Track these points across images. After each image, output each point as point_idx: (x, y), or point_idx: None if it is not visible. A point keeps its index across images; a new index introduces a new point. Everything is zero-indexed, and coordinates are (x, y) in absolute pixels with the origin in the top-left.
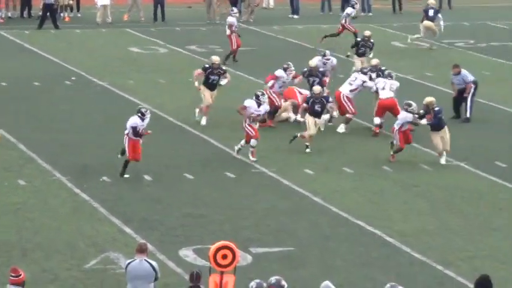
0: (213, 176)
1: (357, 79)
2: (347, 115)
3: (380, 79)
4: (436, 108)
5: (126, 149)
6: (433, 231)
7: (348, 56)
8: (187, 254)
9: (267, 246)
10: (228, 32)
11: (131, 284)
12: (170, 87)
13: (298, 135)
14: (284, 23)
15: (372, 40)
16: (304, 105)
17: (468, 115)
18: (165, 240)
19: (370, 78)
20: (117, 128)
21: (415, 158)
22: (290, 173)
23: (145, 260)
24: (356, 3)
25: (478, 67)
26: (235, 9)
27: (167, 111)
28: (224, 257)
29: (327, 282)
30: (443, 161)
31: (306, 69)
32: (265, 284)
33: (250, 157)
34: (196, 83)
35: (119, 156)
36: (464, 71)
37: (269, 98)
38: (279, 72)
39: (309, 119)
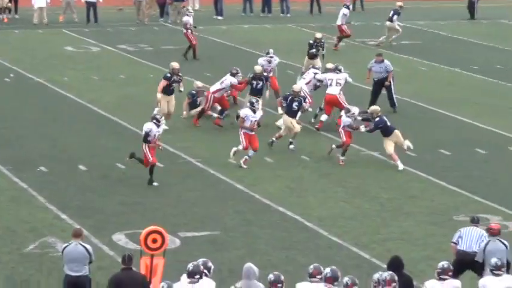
0: (143, 166)
1: (309, 73)
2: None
3: (329, 74)
4: (377, 119)
5: (149, 156)
6: (349, 216)
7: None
8: (120, 238)
9: (194, 230)
10: (184, 30)
11: (67, 266)
12: (102, 83)
13: (274, 139)
14: (209, 24)
15: (323, 40)
16: (282, 100)
17: (395, 103)
18: (99, 226)
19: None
20: (53, 121)
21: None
22: (215, 162)
23: (80, 243)
24: (349, 4)
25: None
26: (190, 9)
27: (99, 105)
28: (154, 241)
29: (249, 264)
30: (400, 166)
31: (251, 74)
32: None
33: (242, 164)
34: (159, 95)
35: (127, 159)
36: (386, 61)
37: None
38: (232, 80)
39: (285, 119)
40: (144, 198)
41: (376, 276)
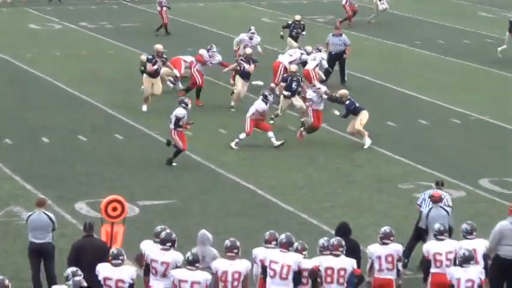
0: (104, 137)
1: (296, 52)
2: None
3: (313, 54)
4: (347, 102)
5: (179, 142)
6: (299, 185)
7: (282, 37)
8: (82, 207)
9: (152, 199)
10: (158, 8)
11: (31, 234)
12: (65, 60)
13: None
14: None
15: (302, 22)
16: (282, 83)
17: (346, 78)
18: (62, 195)
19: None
20: (17, 95)
21: (283, 121)
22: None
23: (44, 212)
24: None
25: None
26: None
27: (62, 81)
28: (114, 209)
29: (203, 231)
30: (367, 144)
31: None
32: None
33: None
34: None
35: (168, 146)
36: (344, 34)
37: (191, 76)
38: (201, 51)
39: (283, 101)
40: (105, 168)
41: (321, 241)
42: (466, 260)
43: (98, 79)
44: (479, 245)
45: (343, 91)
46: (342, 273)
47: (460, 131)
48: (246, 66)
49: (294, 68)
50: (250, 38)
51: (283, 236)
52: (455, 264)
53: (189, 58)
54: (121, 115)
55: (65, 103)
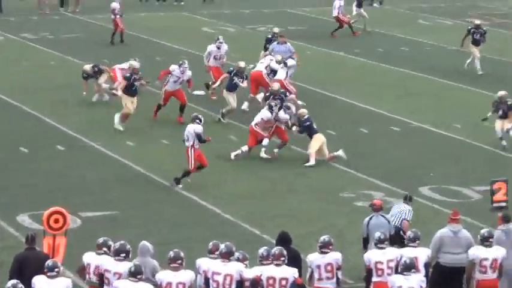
0: (46, 149)
1: (266, 58)
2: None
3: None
4: (303, 118)
5: (192, 161)
6: (242, 195)
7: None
8: (24, 219)
9: (94, 210)
10: (112, 16)
11: None
12: (5, 70)
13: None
14: (107, 12)
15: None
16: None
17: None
18: (4, 208)
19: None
20: None
21: (226, 131)
22: (114, 145)
23: None
24: None
25: None
26: None
27: (3, 92)
28: (56, 221)
29: (143, 242)
30: (311, 163)
31: (232, 69)
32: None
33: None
34: (120, 93)
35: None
36: (288, 43)
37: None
38: (172, 67)
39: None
40: (47, 180)
41: (261, 251)
42: (407, 268)
43: (40, 90)
44: (422, 253)
45: (302, 110)
46: (284, 282)
47: (400, 139)
48: (239, 81)
49: (276, 86)
50: (218, 48)
51: (222, 246)
52: (396, 272)
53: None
54: (63, 126)
55: (6, 114)
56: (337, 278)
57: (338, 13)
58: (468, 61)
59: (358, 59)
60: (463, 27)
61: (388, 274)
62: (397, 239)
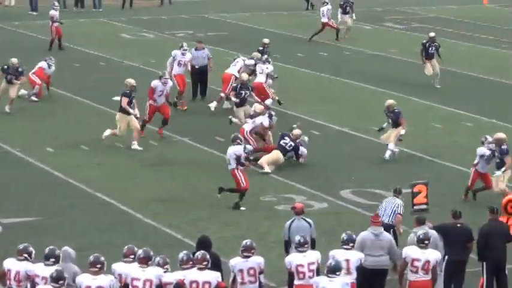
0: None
1: (239, 61)
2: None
3: (259, 65)
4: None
5: (243, 179)
6: (162, 199)
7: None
8: None
9: (16, 216)
10: (50, 23)
11: None
12: None
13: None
14: (24, 19)
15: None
16: (232, 92)
17: (206, 92)
18: None
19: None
20: None
21: (145, 135)
22: (33, 151)
23: None
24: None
25: None
26: (56, 3)
27: None
28: None
29: (65, 248)
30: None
31: (236, 84)
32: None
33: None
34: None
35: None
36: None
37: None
38: (154, 83)
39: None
40: None
41: (181, 255)
42: (332, 270)
43: None
44: (354, 256)
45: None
46: (207, 286)
47: (320, 143)
48: (246, 94)
49: (244, 76)
50: (183, 55)
51: (140, 251)
52: (318, 275)
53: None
54: None
55: None
56: (260, 282)
57: (328, 19)
58: (436, 80)
59: (277, 64)
60: (382, 32)
61: (310, 277)
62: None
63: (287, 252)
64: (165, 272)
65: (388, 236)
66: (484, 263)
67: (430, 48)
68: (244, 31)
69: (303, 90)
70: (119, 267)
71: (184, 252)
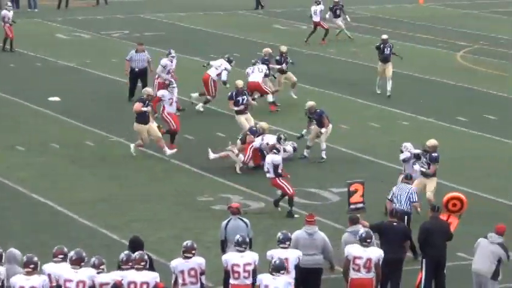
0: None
1: (221, 65)
2: (207, 96)
3: (258, 65)
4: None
5: (288, 186)
6: (99, 200)
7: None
8: None
9: None
10: (2, 23)
11: None
12: None
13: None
14: None
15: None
16: (230, 101)
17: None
18: None
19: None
20: None
21: (80, 136)
22: None
23: None
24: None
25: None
26: (9, 3)
27: None
28: None
29: (11, 249)
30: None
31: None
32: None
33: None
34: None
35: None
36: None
37: (165, 120)
38: (160, 93)
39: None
40: None
41: (121, 255)
42: (276, 268)
43: None
44: (292, 255)
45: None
46: (145, 287)
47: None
48: (244, 100)
49: (240, 83)
50: (171, 61)
51: (72, 253)
52: (253, 277)
53: None
54: None
55: None
56: (201, 283)
57: (320, 18)
58: (378, 82)
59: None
60: (319, 32)
61: (245, 277)
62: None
63: (223, 252)
64: (99, 272)
65: (321, 235)
66: (424, 260)
67: (386, 49)
68: (180, 31)
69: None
70: (48, 267)
71: (125, 252)
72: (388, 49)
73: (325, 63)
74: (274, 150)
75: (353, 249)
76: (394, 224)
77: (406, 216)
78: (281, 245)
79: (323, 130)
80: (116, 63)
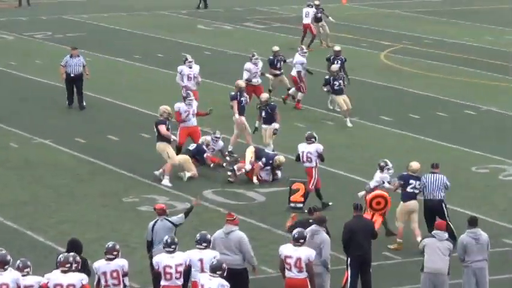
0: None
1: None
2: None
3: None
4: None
5: (314, 182)
6: (24, 202)
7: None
8: None
9: None
10: None
11: None
12: None
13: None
14: None
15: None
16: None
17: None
18: None
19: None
20: None
21: (5, 137)
22: None
23: None
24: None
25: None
26: None
27: None
28: None
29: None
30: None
31: (233, 93)
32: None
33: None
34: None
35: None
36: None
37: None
38: (177, 106)
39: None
40: None
41: (60, 256)
42: (214, 269)
43: None
44: (207, 255)
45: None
46: None
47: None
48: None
49: (241, 83)
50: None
51: None
52: (186, 278)
53: None
54: None
55: None
56: (124, 285)
57: (311, 21)
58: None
59: (137, 64)
60: (243, 32)
61: (177, 278)
62: (441, 211)
63: (149, 252)
64: (24, 275)
65: (238, 235)
66: (349, 259)
67: (336, 62)
68: (102, 31)
69: (167, 91)
70: None
71: (63, 254)
72: (339, 62)
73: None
74: (313, 139)
75: (285, 249)
76: (310, 221)
77: (443, 204)
78: (197, 246)
79: (276, 125)
80: (40, 65)
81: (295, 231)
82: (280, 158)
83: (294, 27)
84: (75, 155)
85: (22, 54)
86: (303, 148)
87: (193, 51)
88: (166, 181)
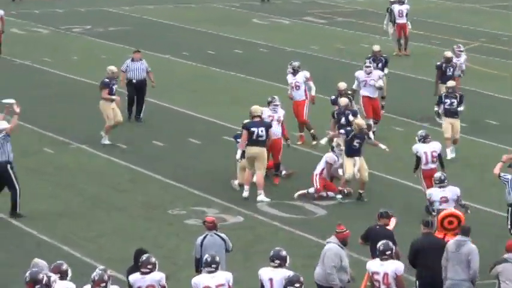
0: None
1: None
2: None
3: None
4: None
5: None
6: (58, 213)
7: None
8: None
9: None
10: None
11: None
12: None
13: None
14: None
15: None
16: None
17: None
18: None
19: None
20: None
21: (39, 142)
22: None
23: None
24: None
25: (95, 51)
26: None
27: None
28: None
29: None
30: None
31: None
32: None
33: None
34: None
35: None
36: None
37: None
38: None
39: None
40: None
41: (95, 275)
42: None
43: None
44: (278, 275)
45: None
46: None
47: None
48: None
49: (344, 101)
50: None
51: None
52: None
53: None
54: None
55: None
56: None
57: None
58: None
59: (186, 62)
60: (302, 27)
61: None
62: None
63: (197, 271)
64: None
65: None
66: (417, 282)
67: (448, 70)
68: (148, 26)
69: (214, 90)
70: None
71: (98, 271)
72: (451, 69)
73: (308, 61)
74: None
75: (372, 265)
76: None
77: None
78: (271, 263)
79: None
80: (78, 61)
81: (379, 243)
82: (358, 121)
83: (361, 22)
84: (115, 161)
85: (58, 49)
86: (424, 148)
87: (247, 48)
88: (105, 140)
